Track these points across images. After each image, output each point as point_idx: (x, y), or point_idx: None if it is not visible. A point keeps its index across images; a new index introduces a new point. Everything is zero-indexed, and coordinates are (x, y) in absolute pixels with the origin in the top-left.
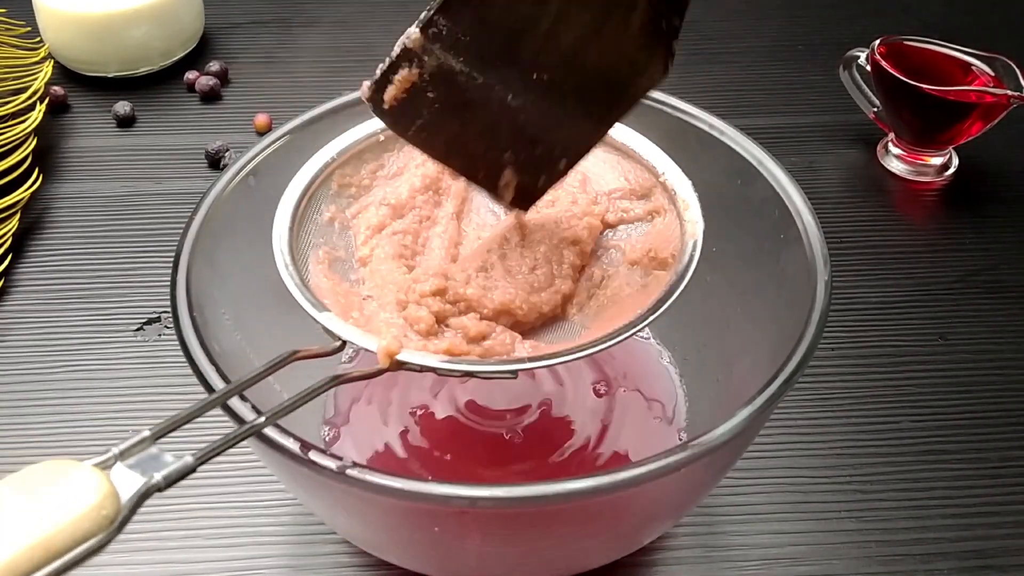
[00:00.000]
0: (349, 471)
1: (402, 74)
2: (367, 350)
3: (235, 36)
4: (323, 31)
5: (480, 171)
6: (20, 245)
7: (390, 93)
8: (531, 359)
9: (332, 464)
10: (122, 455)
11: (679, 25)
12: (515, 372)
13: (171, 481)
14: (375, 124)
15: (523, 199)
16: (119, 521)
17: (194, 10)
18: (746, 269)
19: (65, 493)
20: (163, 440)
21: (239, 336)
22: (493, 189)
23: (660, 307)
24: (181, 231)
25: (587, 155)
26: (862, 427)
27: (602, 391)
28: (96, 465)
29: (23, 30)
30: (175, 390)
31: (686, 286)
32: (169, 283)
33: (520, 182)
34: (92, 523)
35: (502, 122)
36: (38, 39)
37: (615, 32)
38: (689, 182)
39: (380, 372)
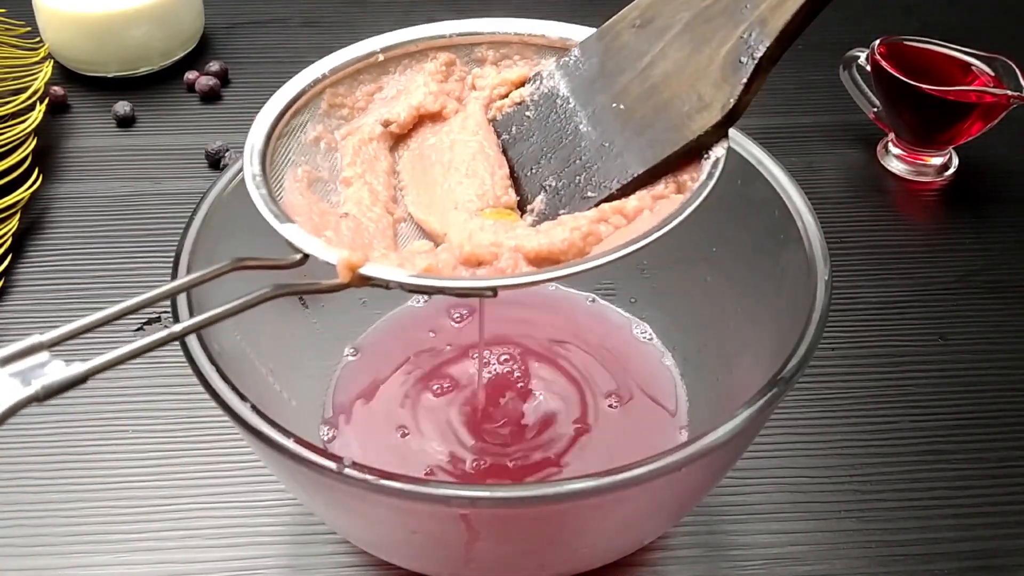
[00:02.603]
0: (349, 471)
1: (520, 92)
2: (328, 263)
3: (235, 36)
4: (323, 31)
5: (522, 190)
6: (20, 245)
7: (499, 105)
8: (512, 276)
9: (332, 464)
10: (3, 361)
11: (764, 63)
12: (494, 289)
13: (51, 391)
14: (373, 44)
15: (541, 222)
16: None
17: (194, 10)
18: (746, 269)
19: None
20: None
21: (239, 336)
22: (519, 209)
23: (670, 223)
24: (181, 231)
25: (609, 199)
26: (862, 427)
27: (602, 391)
28: None
29: (23, 30)
30: (175, 390)
31: (697, 208)
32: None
33: (545, 210)
34: None
35: (566, 146)
36: (38, 39)
37: (698, 64)
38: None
39: (339, 287)
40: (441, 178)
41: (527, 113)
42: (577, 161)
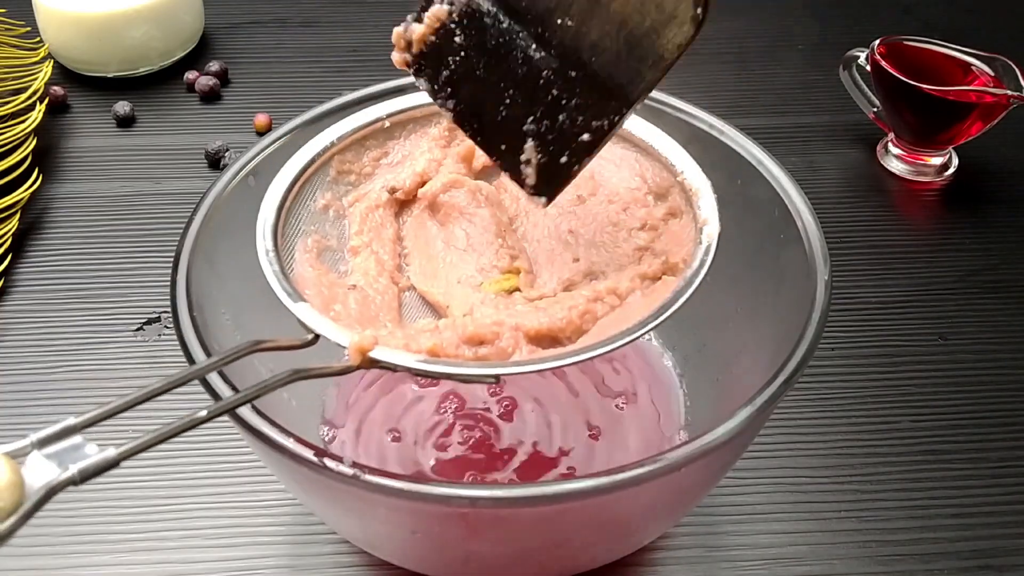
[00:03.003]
0: (349, 471)
1: (433, 10)
2: (339, 345)
3: (235, 36)
4: (323, 31)
5: (501, 141)
6: (20, 245)
7: (420, 33)
8: (515, 363)
9: (332, 464)
10: (41, 443)
11: None
12: (497, 377)
13: (87, 475)
14: (379, 110)
15: (547, 183)
16: (20, 514)
17: (194, 10)
18: (746, 269)
19: None
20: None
21: (239, 336)
22: (515, 168)
23: (663, 313)
24: (181, 231)
25: (613, 131)
26: (862, 427)
27: (603, 391)
28: (8, 453)
29: (23, 30)
30: (175, 390)
31: (693, 293)
32: (169, 283)
33: (542, 159)
34: None
35: (526, 79)
36: (38, 39)
37: None
38: (708, 182)
39: (349, 370)
40: (443, 250)
41: (455, 38)
42: (549, 97)
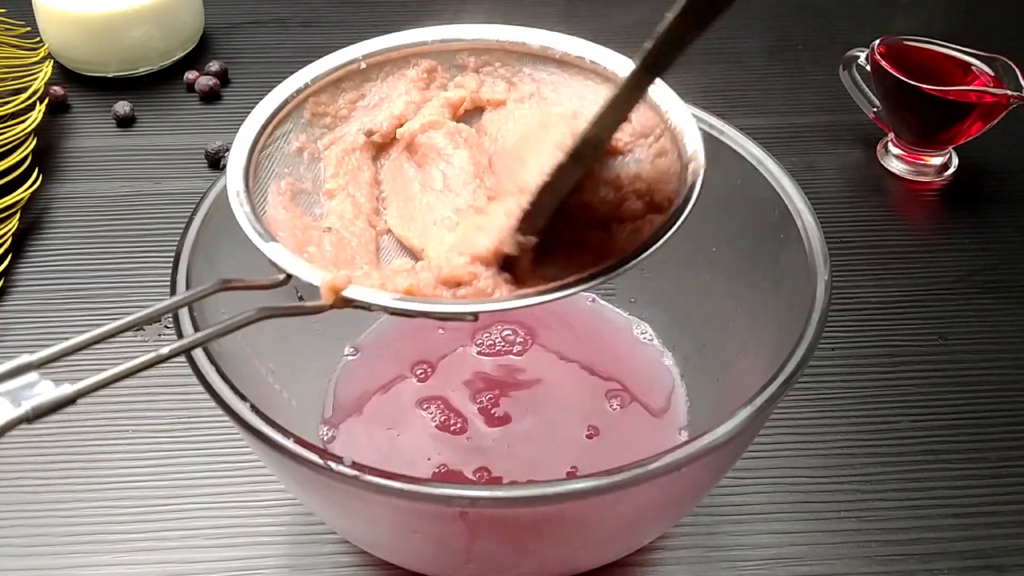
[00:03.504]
0: (349, 471)
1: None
2: (311, 284)
3: (235, 36)
4: (323, 31)
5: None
6: (20, 245)
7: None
8: (493, 300)
9: (332, 464)
10: None
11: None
12: (475, 315)
13: (41, 412)
14: (355, 51)
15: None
16: None
17: (194, 10)
18: (746, 269)
19: None
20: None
21: (239, 336)
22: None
23: (648, 248)
24: (181, 231)
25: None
26: (862, 427)
27: (602, 391)
28: None
29: (23, 30)
30: (175, 390)
31: (677, 230)
32: (169, 283)
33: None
34: None
35: None
36: (38, 39)
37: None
38: (694, 119)
39: (323, 308)
40: (420, 192)
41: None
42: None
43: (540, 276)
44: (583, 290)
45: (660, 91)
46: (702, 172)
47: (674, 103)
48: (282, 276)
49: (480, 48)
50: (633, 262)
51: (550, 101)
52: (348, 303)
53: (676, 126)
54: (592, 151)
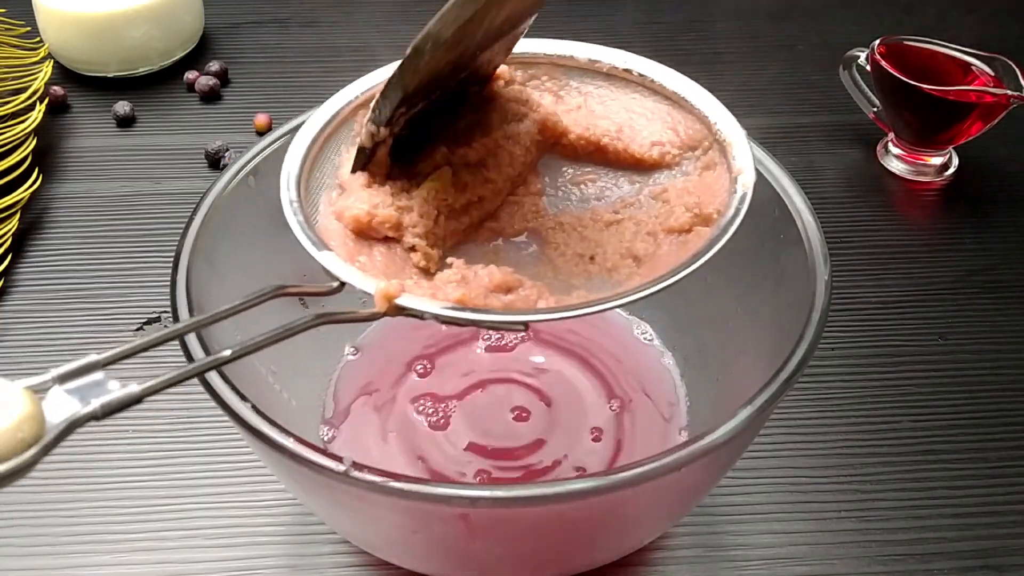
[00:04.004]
0: (349, 471)
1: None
2: (366, 292)
3: (235, 36)
4: (323, 31)
5: None
6: (20, 245)
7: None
8: (543, 311)
9: (332, 464)
10: (62, 378)
11: None
12: (525, 324)
13: (109, 410)
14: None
15: None
16: (41, 446)
17: (194, 10)
18: (746, 269)
19: None
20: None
21: (239, 336)
22: None
23: (698, 260)
24: (181, 231)
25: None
26: (862, 427)
27: (603, 393)
28: (29, 387)
29: (23, 30)
30: (175, 390)
31: (727, 242)
32: (169, 283)
33: None
34: (5, 445)
35: None
36: (38, 39)
37: None
38: (743, 132)
39: (376, 316)
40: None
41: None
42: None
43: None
44: (632, 302)
45: (709, 103)
46: (752, 185)
47: (723, 116)
48: (336, 284)
49: (528, 61)
50: (682, 274)
51: (598, 114)
52: (401, 311)
53: (725, 139)
54: (432, 46)
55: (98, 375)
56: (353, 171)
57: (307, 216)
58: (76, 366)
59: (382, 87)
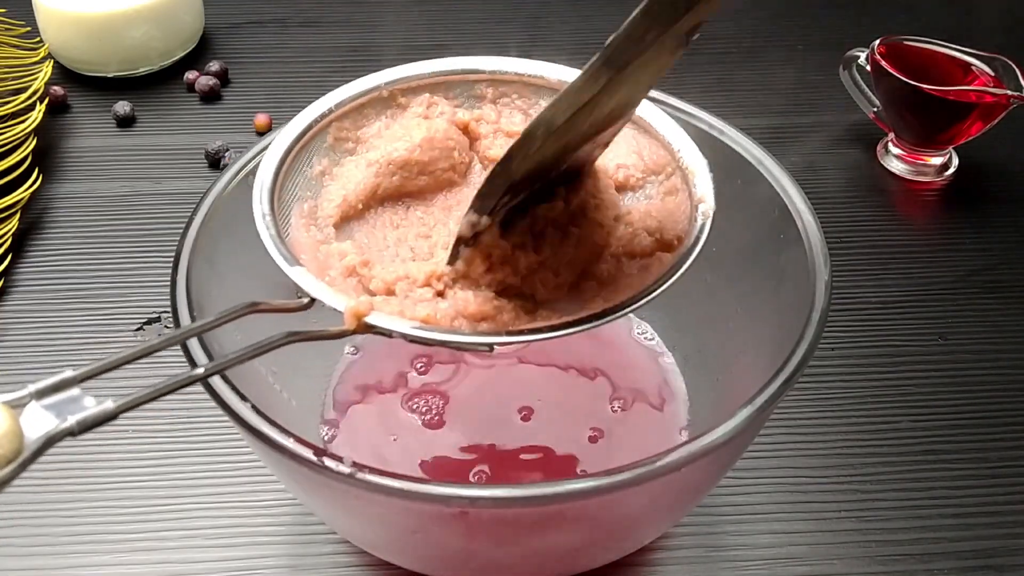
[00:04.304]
0: (349, 471)
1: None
2: (335, 309)
3: (235, 36)
4: (323, 31)
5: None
6: (20, 245)
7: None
8: (509, 332)
9: (332, 464)
10: (39, 394)
11: None
12: (491, 346)
13: (85, 426)
14: (378, 78)
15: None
16: (19, 462)
17: (194, 10)
18: (746, 269)
19: None
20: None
21: (239, 336)
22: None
23: (657, 288)
24: (181, 231)
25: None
26: (862, 427)
27: (603, 393)
28: (6, 403)
29: (23, 30)
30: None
31: (687, 270)
32: (169, 283)
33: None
34: None
35: None
36: (38, 39)
37: None
38: (705, 161)
39: (343, 334)
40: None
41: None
42: None
43: (550, 295)
44: (594, 327)
45: (672, 132)
46: (711, 214)
47: (686, 144)
48: (306, 300)
49: (499, 80)
50: (642, 301)
51: None
52: (369, 329)
53: (687, 167)
54: (544, 132)
55: (74, 391)
56: (450, 262)
57: (279, 229)
58: (52, 382)
59: (487, 175)
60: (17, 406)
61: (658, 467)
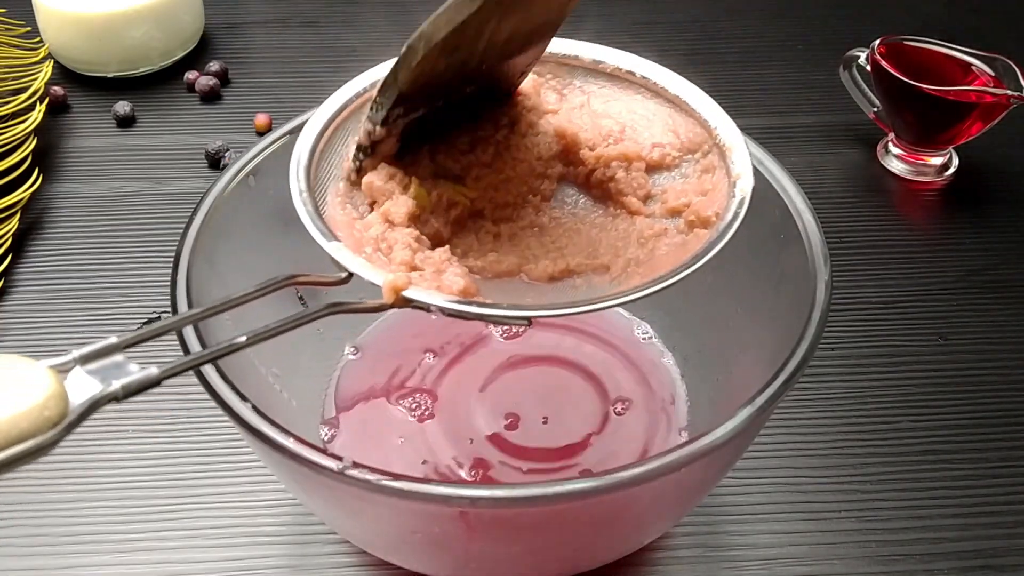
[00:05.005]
0: (349, 471)
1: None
2: (373, 283)
3: (235, 36)
4: (323, 31)
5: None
6: (20, 245)
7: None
8: (547, 307)
9: (332, 464)
10: (83, 359)
11: None
12: (529, 319)
13: (130, 391)
14: None
15: None
16: (64, 424)
17: (194, 10)
18: (746, 269)
19: (7, 390)
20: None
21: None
22: None
23: (697, 262)
24: (181, 231)
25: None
26: (862, 427)
27: (603, 393)
28: (52, 367)
29: (23, 30)
30: (176, 390)
31: (725, 245)
32: (169, 283)
33: None
34: (31, 423)
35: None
36: (38, 39)
37: None
38: (742, 138)
39: (384, 307)
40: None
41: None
42: None
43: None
44: (631, 301)
45: (709, 108)
46: (750, 190)
47: (723, 121)
48: (344, 275)
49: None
50: (681, 275)
51: (600, 113)
52: (408, 303)
53: (724, 143)
54: (424, 45)
55: (118, 357)
56: (356, 172)
57: (316, 205)
58: (97, 348)
59: (379, 85)
60: (62, 371)
61: (658, 467)
